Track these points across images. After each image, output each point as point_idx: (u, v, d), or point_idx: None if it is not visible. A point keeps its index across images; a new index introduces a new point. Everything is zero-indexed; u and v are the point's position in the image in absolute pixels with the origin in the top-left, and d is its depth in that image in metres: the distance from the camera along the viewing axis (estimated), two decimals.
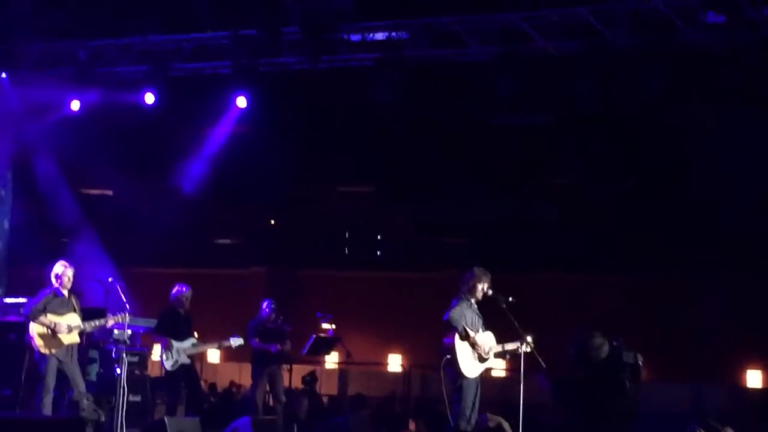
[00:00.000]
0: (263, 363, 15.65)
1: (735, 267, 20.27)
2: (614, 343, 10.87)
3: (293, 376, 16.70)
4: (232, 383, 22.37)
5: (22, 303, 14.10)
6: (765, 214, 18.67)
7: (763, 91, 14.96)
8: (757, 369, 21.69)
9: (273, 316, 15.80)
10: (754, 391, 21.36)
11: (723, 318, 20.61)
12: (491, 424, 11.85)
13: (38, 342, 13.08)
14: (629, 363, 10.68)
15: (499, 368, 13.62)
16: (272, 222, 25.13)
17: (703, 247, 20.16)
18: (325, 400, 19.92)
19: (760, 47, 13.49)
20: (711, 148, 17.25)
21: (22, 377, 14.21)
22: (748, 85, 14.73)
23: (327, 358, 19.08)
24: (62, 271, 13.38)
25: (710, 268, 20.59)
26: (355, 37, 15.05)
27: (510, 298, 11.80)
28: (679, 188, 19.65)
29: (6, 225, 17.36)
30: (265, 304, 15.92)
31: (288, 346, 15.75)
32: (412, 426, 18.02)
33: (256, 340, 15.56)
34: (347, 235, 25.02)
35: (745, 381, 21.75)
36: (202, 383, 19.17)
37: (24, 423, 12.28)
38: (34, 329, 13.11)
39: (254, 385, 15.81)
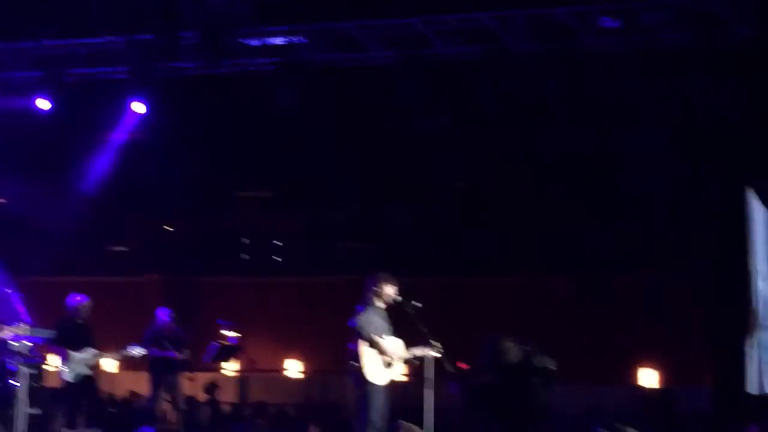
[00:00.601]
0: (161, 371, 15.50)
1: (631, 265, 20.56)
2: (525, 347, 10.90)
3: (193, 384, 16.50)
4: (130, 393, 22.02)
5: None
6: (653, 213, 19.01)
7: (659, 93, 15.29)
8: (651, 368, 21.97)
9: (169, 324, 15.65)
10: (650, 391, 21.63)
11: (617, 317, 20.88)
12: None
13: None
14: (540, 367, 10.71)
15: (408, 374, 13.58)
16: (168, 228, 24.81)
17: (597, 247, 20.42)
18: (226, 408, 19.75)
19: (655, 51, 13.78)
20: (610, 150, 17.51)
21: None
22: (645, 87, 15.03)
23: (227, 365, 18.94)
24: None
25: (605, 268, 20.86)
26: (255, 42, 14.96)
27: (417, 304, 11.76)
28: (577, 188, 19.84)
29: None
30: (161, 312, 15.76)
31: (186, 353, 15.60)
32: None
33: (154, 348, 15.36)
34: (244, 241, 24.83)
35: (640, 380, 22.02)
36: (100, 393, 18.84)
37: None
38: None
39: (153, 395, 15.62)
